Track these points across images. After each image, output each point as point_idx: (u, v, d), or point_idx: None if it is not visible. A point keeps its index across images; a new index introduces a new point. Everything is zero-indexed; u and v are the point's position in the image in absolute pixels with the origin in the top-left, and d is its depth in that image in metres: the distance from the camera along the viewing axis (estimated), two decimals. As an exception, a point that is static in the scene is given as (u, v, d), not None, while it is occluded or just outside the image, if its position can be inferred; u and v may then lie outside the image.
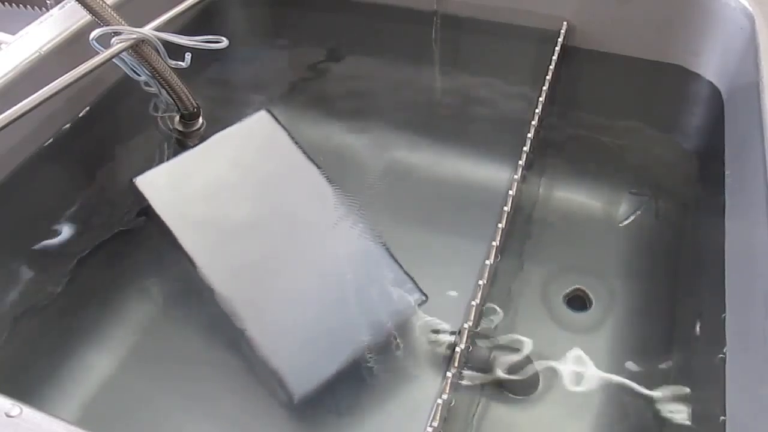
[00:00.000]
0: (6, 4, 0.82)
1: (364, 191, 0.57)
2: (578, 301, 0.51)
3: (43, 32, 0.59)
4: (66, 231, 0.54)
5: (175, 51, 0.56)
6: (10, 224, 0.54)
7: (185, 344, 0.48)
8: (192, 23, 0.68)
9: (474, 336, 0.46)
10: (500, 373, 0.45)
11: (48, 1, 0.78)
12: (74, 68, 0.51)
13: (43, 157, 0.59)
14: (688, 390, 0.44)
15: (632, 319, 0.49)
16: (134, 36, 0.53)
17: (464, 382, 0.44)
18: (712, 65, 0.66)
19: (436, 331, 0.47)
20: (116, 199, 0.57)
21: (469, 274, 0.48)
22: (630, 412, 0.44)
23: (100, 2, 0.52)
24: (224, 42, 0.57)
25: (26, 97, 0.48)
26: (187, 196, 0.53)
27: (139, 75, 0.57)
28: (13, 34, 0.59)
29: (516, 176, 0.53)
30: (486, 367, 0.45)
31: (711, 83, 0.67)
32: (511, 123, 0.64)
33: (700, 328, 0.48)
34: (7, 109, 0.47)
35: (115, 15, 0.53)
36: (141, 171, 0.53)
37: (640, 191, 0.59)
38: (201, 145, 0.57)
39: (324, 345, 0.45)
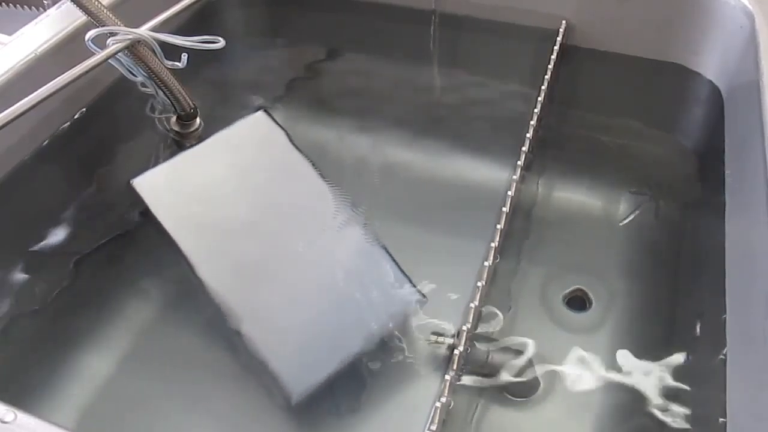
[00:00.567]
0: (2, 4, 0.82)
1: (363, 192, 0.57)
2: (578, 302, 0.50)
3: (40, 33, 0.58)
4: (63, 232, 0.54)
5: (171, 51, 0.56)
6: (5, 226, 0.54)
7: (183, 346, 0.48)
8: (188, 23, 0.67)
9: (473, 338, 0.46)
10: (500, 375, 0.45)
11: (44, 2, 0.77)
12: (70, 69, 0.50)
13: (40, 158, 0.58)
14: (688, 391, 0.44)
15: (632, 319, 0.49)
16: (130, 36, 0.53)
17: (463, 384, 0.44)
18: (712, 64, 0.66)
19: (435, 333, 0.47)
20: (113, 200, 0.57)
21: (468, 275, 0.48)
22: (630, 413, 0.44)
23: (96, 3, 0.52)
24: (221, 42, 0.57)
25: (22, 98, 0.47)
26: (184, 198, 0.53)
27: (136, 76, 0.57)
28: (10, 34, 0.59)
29: (515, 177, 0.53)
30: (485, 369, 0.45)
31: (711, 82, 0.66)
32: (510, 122, 0.64)
33: (700, 328, 0.48)
34: (4, 110, 0.46)
35: (110, 15, 0.52)
36: (138, 172, 0.53)
37: (640, 191, 0.58)
38: (198, 146, 0.57)
39: (322, 346, 0.45)
